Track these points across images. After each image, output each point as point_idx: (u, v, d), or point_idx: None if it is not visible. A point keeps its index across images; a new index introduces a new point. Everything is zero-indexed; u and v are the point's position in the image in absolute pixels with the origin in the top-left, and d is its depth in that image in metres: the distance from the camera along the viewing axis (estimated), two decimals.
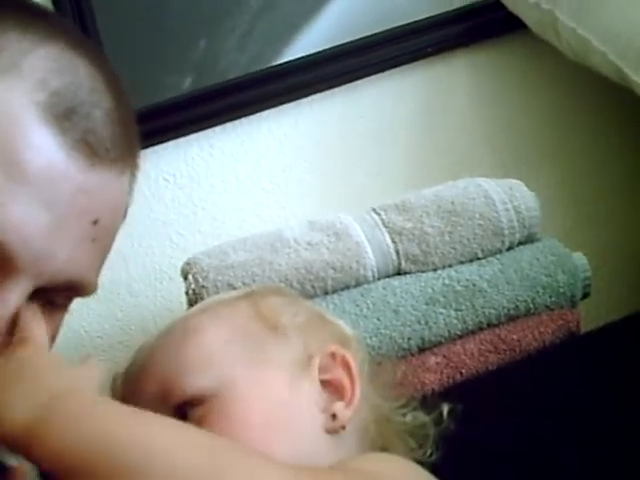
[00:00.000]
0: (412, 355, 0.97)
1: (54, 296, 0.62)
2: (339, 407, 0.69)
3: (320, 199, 1.21)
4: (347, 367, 0.72)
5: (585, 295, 1.05)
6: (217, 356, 0.69)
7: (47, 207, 0.56)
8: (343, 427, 0.69)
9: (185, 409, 0.66)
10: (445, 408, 0.78)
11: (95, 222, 0.60)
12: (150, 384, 0.69)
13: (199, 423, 0.65)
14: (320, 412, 0.69)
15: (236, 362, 0.69)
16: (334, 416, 0.69)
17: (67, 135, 0.57)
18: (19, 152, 0.55)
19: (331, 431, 0.69)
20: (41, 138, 0.56)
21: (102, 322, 1.17)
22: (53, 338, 0.64)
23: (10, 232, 0.55)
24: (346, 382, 0.71)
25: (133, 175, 0.66)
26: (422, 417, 0.77)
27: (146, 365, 0.72)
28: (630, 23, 1.06)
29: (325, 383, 0.71)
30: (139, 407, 0.65)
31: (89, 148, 0.58)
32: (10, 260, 0.56)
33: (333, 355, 0.72)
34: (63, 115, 0.57)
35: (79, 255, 0.60)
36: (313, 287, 0.98)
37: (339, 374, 0.71)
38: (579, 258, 1.05)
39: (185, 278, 0.99)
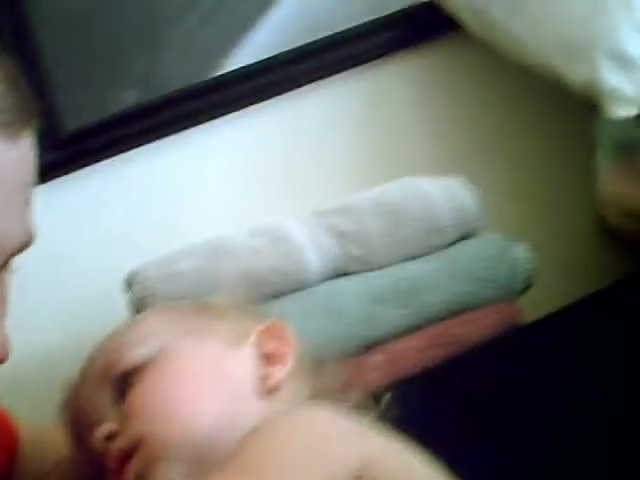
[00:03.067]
0: (358, 354, 0.98)
1: None
2: (271, 370, 0.72)
3: (264, 205, 1.22)
4: (282, 338, 0.75)
5: (527, 287, 1.07)
6: (157, 330, 0.74)
7: None
8: (276, 388, 0.71)
9: (125, 379, 0.70)
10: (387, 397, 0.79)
11: (28, 185, 0.62)
12: (96, 365, 0.73)
13: (134, 386, 0.69)
14: (253, 376, 0.72)
15: (175, 333, 0.73)
16: (265, 378, 0.71)
17: None
18: None
19: (263, 393, 0.71)
20: None
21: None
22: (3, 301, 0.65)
23: None
24: (281, 350, 0.74)
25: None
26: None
27: (93, 353, 0.75)
28: (555, 18, 1.09)
29: (262, 356, 0.74)
30: (82, 392, 0.72)
31: (5, 127, 0.59)
32: None
33: (269, 329, 0.75)
34: None
35: (27, 220, 0.62)
36: (258, 292, 0.98)
37: (274, 345, 0.74)
38: (521, 251, 1.06)
39: (129, 288, 0.99)
